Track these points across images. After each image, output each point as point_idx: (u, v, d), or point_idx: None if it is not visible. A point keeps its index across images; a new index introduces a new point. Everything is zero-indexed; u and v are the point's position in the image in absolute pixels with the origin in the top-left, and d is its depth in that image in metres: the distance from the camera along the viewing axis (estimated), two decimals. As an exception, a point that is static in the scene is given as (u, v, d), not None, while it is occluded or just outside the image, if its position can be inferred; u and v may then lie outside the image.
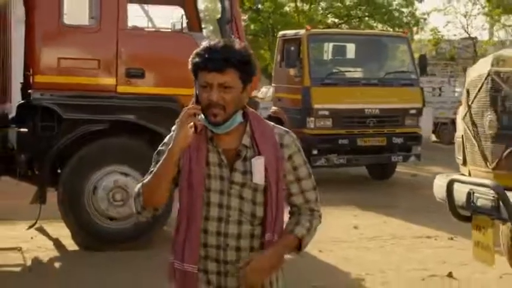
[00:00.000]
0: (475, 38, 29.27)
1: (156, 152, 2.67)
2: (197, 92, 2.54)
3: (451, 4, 29.46)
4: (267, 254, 2.55)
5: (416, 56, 14.14)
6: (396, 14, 26.00)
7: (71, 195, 7.13)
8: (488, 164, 4.94)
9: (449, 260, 6.97)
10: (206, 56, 2.49)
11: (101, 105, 7.19)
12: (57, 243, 7.55)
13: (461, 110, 5.36)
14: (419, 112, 12.32)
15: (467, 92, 5.21)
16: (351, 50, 13.61)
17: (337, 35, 14.70)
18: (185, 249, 2.57)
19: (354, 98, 11.74)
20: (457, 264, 6.74)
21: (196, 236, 2.56)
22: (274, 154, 2.57)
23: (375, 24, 25.39)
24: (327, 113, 11.59)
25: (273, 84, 13.83)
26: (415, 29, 26.95)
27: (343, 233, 8.26)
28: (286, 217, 2.68)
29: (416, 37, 28.61)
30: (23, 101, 7.56)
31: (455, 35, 29.45)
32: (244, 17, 23.16)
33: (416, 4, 26.90)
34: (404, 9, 26.49)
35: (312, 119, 11.53)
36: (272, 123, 2.69)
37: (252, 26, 24.21)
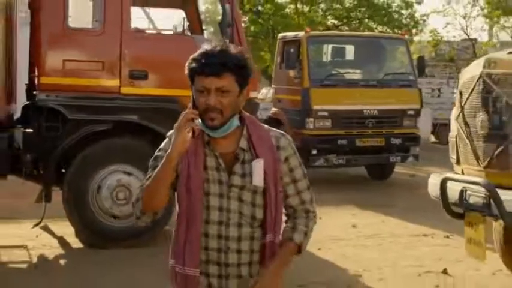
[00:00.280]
0: (475, 39, 29.40)
1: (152, 157, 2.67)
2: (194, 97, 2.56)
3: (451, 6, 29.60)
4: (273, 270, 2.58)
5: (415, 57, 14.29)
6: (396, 16, 26.12)
7: (76, 194, 7.29)
8: (480, 162, 5.10)
9: (445, 257, 7.12)
10: (203, 61, 2.51)
11: (104, 106, 7.36)
12: (62, 241, 7.71)
13: (455, 111, 5.53)
14: (417, 113, 12.47)
15: (461, 93, 5.37)
16: (349, 51, 13.76)
17: (336, 37, 14.87)
18: (186, 253, 2.59)
19: (353, 99, 11.90)
20: (453, 261, 6.89)
21: (197, 239, 2.58)
22: (271, 156, 2.61)
23: (374, 26, 25.51)
24: (326, 113, 11.76)
25: (273, 86, 13.99)
26: (414, 30, 27.06)
27: (342, 232, 8.42)
28: (283, 218, 2.73)
29: (416, 38, 28.74)
30: (28, 102, 7.74)
31: (454, 37, 29.62)
32: (245, 18, 23.30)
33: (416, 6, 27.07)
34: (403, 11, 26.62)
35: (311, 119, 11.70)
36: (267, 126, 2.72)
37: (252, 28, 24.34)
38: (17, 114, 7.89)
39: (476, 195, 4.89)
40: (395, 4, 26.43)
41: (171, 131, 2.61)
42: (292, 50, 12.13)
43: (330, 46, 14.00)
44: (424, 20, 28.20)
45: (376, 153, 12.16)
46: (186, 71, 2.58)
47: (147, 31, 9.17)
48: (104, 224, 7.33)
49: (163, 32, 9.18)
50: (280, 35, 14.39)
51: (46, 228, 8.05)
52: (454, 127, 5.56)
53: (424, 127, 15.30)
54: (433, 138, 19.92)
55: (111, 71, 7.40)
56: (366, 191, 11.68)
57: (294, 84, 12.22)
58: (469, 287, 6.17)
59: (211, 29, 23.82)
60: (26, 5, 7.85)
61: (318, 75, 12.14)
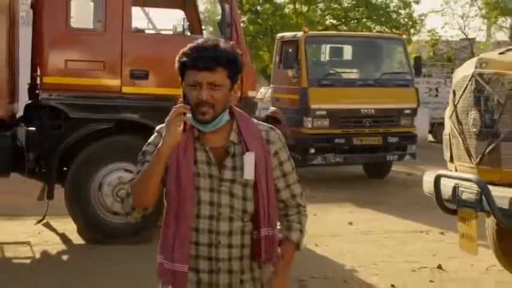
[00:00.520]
0: (473, 39, 29.53)
1: (141, 152, 2.64)
2: (184, 91, 2.54)
3: (449, 5, 29.71)
4: (281, 275, 2.65)
5: (413, 57, 14.42)
6: (394, 16, 26.23)
7: (78, 191, 7.42)
8: (472, 160, 5.24)
9: (440, 253, 7.26)
10: (195, 55, 2.49)
11: (106, 105, 7.50)
12: (64, 238, 7.83)
13: (448, 110, 5.67)
14: (414, 112, 12.61)
15: (454, 92, 5.52)
16: (347, 51, 13.92)
17: (334, 37, 15.00)
18: (175, 248, 2.54)
19: (351, 99, 12.06)
20: (447, 257, 7.02)
21: (188, 234, 2.54)
22: (262, 149, 2.59)
23: (372, 26, 25.63)
24: (324, 113, 11.90)
25: (271, 85, 14.13)
26: (412, 30, 27.17)
27: (339, 228, 8.55)
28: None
29: (414, 38, 28.86)
30: (30, 101, 7.87)
31: (452, 36, 29.77)
32: (244, 18, 23.39)
33: (414, 6, 27.17)
34: (401, 11, 26.72)
35: (310, 118, 11.85)
36: (256, 120, 2.72)
37: (251, 27, 24.44)
38: (19, 113, 8.01)
39: (469, 191, 5.03)
40: (394, 4, 26.56)
41: (160, 126, 2.62)
42: (290, 49, 12.29)
43: (328, 46, 14.12)
44: (422, 20, 28.35)
45: (373, 152, 12.32)
46: (176, 65, 2.55)
47: (147, 31, 9.30)
48: (105, 221, 7.45)
49: (163, 32, 9.30)
50: (279, 35, 14.52)
51: (48, 225, 8.17)
52: (448, 125, 5.70)
53: (421, 126, 15.46)
54: (430, 138, 20.06)
55: (112, 71, 7.53)
56: (363, 189, 11.81)
57: (292, 84, 12.36)
58: (463, 282, 6.31)
59: (210, 29, 23.93)
60: (27, 5, 7.97)
61: (316, 75, 12.29)
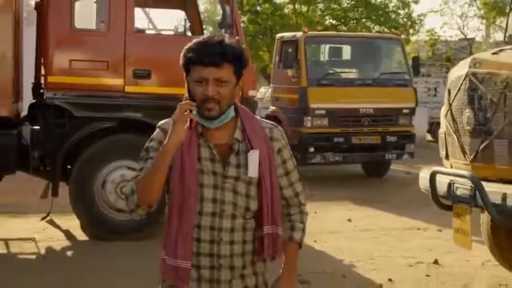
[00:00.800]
0: (472, 39, 29.64)
1: (144, 148, 2.62)
2: (189, 87, 2.52)
3: (448, 5, 29.83)
4: (288, 276, 2.66)
5: (411, 57, 14.56)
6: (393, 16, 26.35)
7: (82, 188, 7.55)
8: (466, 157, 5.39)
9: (436, 249, 7.40)
10: (201, 50, 2.47)
11: (109, 104, 7.65)
12: (68, 234, 7.98)
13: (444, 108, 5.83)
14: (412, 111, 12.74)
15: (449, 91, 5.68)
16: (346, 51, 14.05)
17: (333, 37, 15.17)
18: (178, 245, 2.51)
19: (349, 98, 12.20)
20: (444, 252, 7.16)
21: (191, 231, 2.52)
22: (266, 147, 2.58)
23: (371, 26, 25.75)
24: (323, 112, 12.04)
25: (271, 85, 14.26)
26: (411, 30, 27.28)
27: (338, 225, 8.69)
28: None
29: (413, 38, 28.98)
30: (35, 100, 8.01)
31: (451, 36, 29.88)
32: (243, 18, 23.50)
33: (412, 6, 27.28)
34: (400, 11, 26.84)
35: (309, 118, 11.99)
36: (259, 117, 2.71)
37: (251, 28, 24.55)
38: (24, 112, 8.15)
39: (463, 187, 5.17)
40: (393, 4, 26.67)
41: (162, 121, 2.62)
42: (290, 49, 12.43)
43: (327, 46, 14.25)
44: (421, 20, 28.45)
45: (372, 151, 12.46)
46: (182, 61, 2.53)
47: (149, 31, 9.43)
48: (109, 217, 7.58)
49: (165, 33, 9.45)
50: (278, 35, 14.65)
51: (52, 222, 8.32)
52: (443, 124, 5.85)
53: (420, 126, 15.58)
54: (429, 137, 20.17)
55: (115, 71, 7.67)
56: (362, 188, 11.95)
57: (292, 83, 12.49)
58: (458, 277, 6.43)
59: (211, 29, 24.04)
60: (31, 6, 8.10)
61: (315, 75, 12.42)
